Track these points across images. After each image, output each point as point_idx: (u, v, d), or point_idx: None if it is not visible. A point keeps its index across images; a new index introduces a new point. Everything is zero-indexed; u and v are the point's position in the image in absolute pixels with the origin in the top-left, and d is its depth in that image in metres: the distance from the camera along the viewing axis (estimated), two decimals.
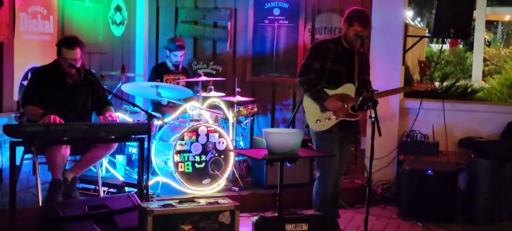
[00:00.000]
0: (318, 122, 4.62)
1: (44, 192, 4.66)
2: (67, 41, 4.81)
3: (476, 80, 15.23)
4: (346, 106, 4.60)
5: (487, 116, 6.26)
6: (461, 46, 20.49)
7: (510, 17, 21.49)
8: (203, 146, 5.47)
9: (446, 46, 19.36)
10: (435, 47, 22.17)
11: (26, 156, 4.78)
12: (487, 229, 5.26)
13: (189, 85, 6.13)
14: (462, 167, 5.74)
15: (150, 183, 5.00)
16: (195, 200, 4.18)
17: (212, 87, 5.99)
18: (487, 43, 22.59)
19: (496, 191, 5.27)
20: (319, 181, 4.74)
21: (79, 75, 4.68)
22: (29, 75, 5.37)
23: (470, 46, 19.72)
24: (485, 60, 17.69)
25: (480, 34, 17.63)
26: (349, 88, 4.64)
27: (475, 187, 5.42)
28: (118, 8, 6.78)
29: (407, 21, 6.82)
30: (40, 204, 4.55)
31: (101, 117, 4.87)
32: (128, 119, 5.66)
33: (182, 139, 5.39)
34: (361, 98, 4.58)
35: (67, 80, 4.83)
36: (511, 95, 10.79)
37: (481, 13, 17.03)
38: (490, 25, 24.60)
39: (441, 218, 5.39)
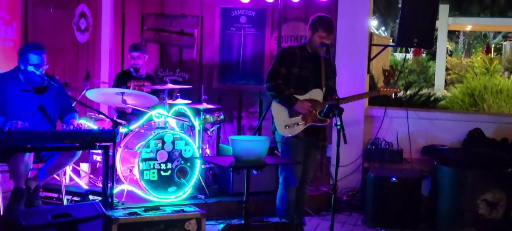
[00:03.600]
0: (287, 127, 4.63)
1: (5, 201, 4.56)
2: (33, 46, 4.72)
3: (439, 89, 15.51)
4: (314, 111, 4.62)
5: (449, 124, 6.39)
6: (424, 55, 20.88)
7: (471, 27, 21.96)
8: (169, 153, 5.44)
9: (410, 55, 19.68)
10: (399, 56, 22.54)
11: None
12: None
13: (154, 92, 6.09)
14: (425, 174, 5.84)
15: (115, 191, 4.95)
16: (161, 208, 4.16)
17: (179, 94, 5.96)
18: (449, 52, 23.04)
19: (458, 197, 5.36)
20: (282, 186, 4.75)
21: (49, 84, 4.62)
22: None
23: (432, 56, 20.08)
24: (447, 69, 18.03)
25: (443, 44, 17.98)
26: (316, 94, 4.66)
27: (438, 194, 5.51)
28: (83, 14, 6.71)
29: (372, 30, 6.92)
30: (1, 213, 4.45)
31: (64, 125, 4.80)
32: (93, 126, 5.59)
33: (148, 147, 5.35)
34: (326, 105, 4.61)
35: (31, 87, 4.75)
36: (472, 104, 11.01)
37: (444, 23, 17.37)
38: (452, 35, 25.10)
39: (405, 225, 5.46)
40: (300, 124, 4.62)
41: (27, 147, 4.35)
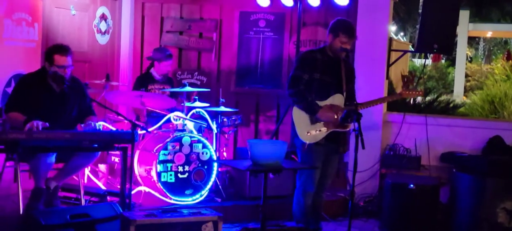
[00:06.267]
0: (309, 133, 4.60)
1: (25, 200, 4.61)
2: (59, 48, 4.75)
3: (458, 95, 15.38)
4: (336, 117, 4.58)
5: (469, 131, 6.32)
6: (443, 61, 20.71)
7: (492, 33, 21.74)
8: (187, 156, 5.46)
9: (429, 61, 19.55)
10: (418, 61, 22.37)
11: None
12: None
13: (173, 95, 6.12)
14: (444, 181, 5.79)
15: (133, 192, 4.98)
16: (178, 210, 4.18)
17: (197, 97, 5.99)
18: (469, 59, 22.82)
19: (476, 206, 5.31)
20: (299, 191, 4.73)
21: (71, 85, 4.69)
22: (13, 82, 5.33)
23: (452, 62, 19.91)
24: (466, 76, 17.86)
25: (462, 50, 17.81)
26: (338, 99, 4.63)
27: (456, 202, 5.46)
28: (103, 17, 6.77)
29: (391, 36, 6.89)
30: (21, 212, 4.50)
31: (83, 126, 4.83)
32: (112, 127, 5.63)
33: (166, 149, 5.38)
34: (345, 111, 4.58)
35: (54, 88, 4.79)
36: (492, 111, 10.89)
37: (464, 29, 17.21)
38: (472, 41, 24.87)
39: None
40: (322, 130, 4.58)
41: (47, 147, 4.39)
